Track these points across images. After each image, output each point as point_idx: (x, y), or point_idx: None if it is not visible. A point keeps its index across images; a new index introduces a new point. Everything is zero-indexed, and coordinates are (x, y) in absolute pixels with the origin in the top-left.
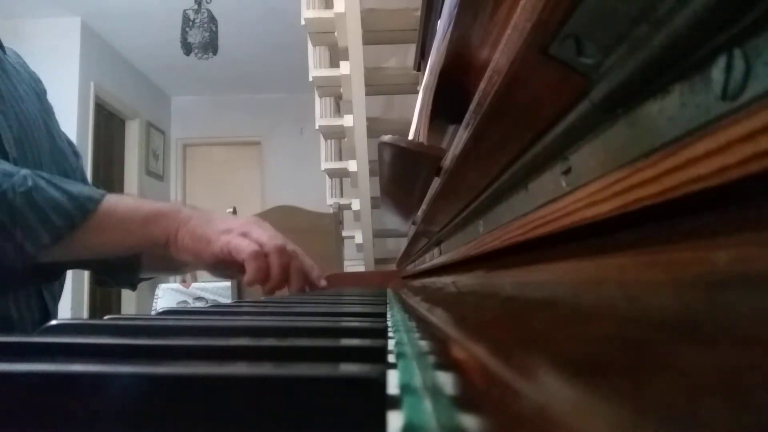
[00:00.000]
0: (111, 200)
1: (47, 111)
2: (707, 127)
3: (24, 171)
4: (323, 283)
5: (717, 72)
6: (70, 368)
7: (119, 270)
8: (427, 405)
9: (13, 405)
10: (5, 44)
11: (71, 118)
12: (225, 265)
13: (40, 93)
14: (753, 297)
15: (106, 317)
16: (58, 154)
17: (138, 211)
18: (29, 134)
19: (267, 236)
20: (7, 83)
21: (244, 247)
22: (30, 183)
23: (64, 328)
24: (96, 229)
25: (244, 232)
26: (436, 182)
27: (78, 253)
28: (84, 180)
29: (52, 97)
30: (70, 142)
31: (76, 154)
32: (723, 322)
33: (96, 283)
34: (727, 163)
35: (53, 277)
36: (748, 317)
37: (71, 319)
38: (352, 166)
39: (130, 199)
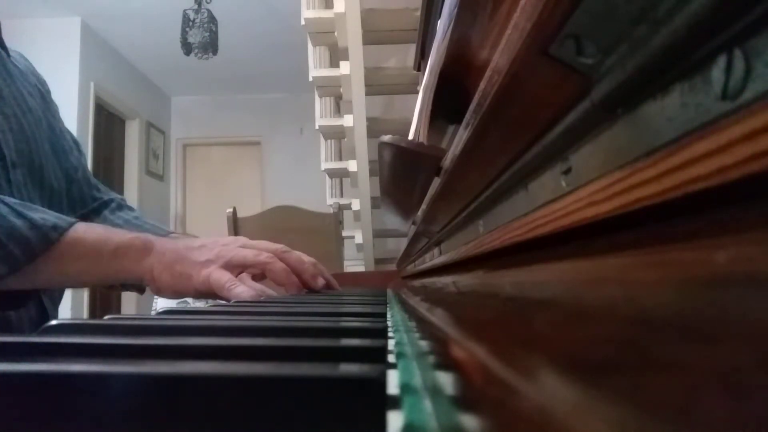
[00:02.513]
0: (79, 229)
1: (52, 111)
2: (707, 127)
3: None
4: (320, 283)
5: (717, 72)
6: (70, 368)
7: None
8: (427, 405)
9: (13, 405)
10: (6, 45)
11: (71, 118)
12: (210, 295)
13: (45, 93)
14: (753, 297)
15: (106, 317)
16: (61, 155)
17: (107, 242)
18: (30, 137)
19: (252, 254)
20: (9, 84)
21: (224, 282)
22: None
23: (64, 328)
24: (60, 259)
25: (226, 262)
26: (436, 182)
27: (41, 282)
28: (86, 176)
29: (52, 97)
30: (75, 141)
31: (80, 151)
32: (723, 322)
33: (104, 287)
34: (727, 163)
35: (15, 305)
36: (748, 317)
37: (71, 319)
38: (352, 166)
39: (101, 228)
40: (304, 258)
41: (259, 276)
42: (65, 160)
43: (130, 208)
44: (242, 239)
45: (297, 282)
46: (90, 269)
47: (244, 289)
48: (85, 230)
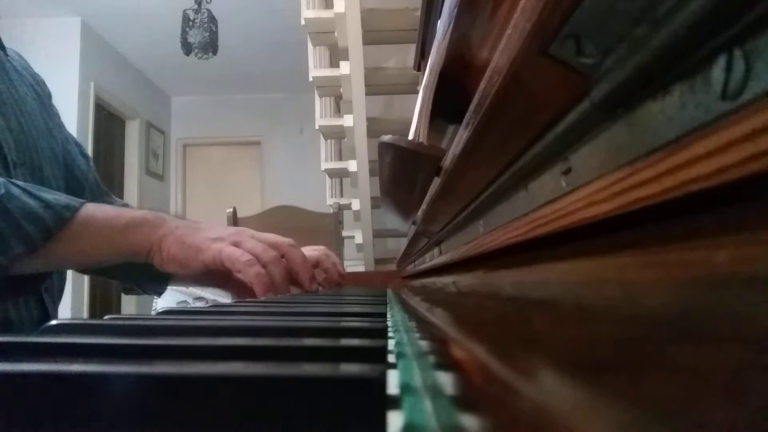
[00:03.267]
0: (90, 209)
1: (50, 113)
2: (707, 127)
3: None
4: (314, 287)
5: (717, 72)
6: (70, 368)
7: (149, 280)
8: (427, 405)
9: (14, 405)
10: (6, 45)
11: (71, 118)
12: (214, 276)
13: (43, 95)
14: (753, 297)
15: (106, 317)
16: (61, 157)
17: (118, 218)
18: (29, 136)
19: (261, 248)
20: (8, 84)
21: (238, 256)
22: (2, 191)
23: (64, 328)
24: (74, 238)
25: (236, 242)
26: (436, 182)
27: (56, 262)
28: (96, 183)
29: (52, 97)
30: (78, 145)
31: (85, 156)
32: (723, 322)
33: (123, 291)
34: (727, 163)
35: (31, 288)
36: (748, 317)
37: (71, 319)
38: (352, 166)
39: (110, 207)
40: (315, 255)
41: None
42: (71, 162)
43: None
44: (251, 231)
45: (287, 289)
46: (103, 245)
47: (259, 270)
48: (95, 209)
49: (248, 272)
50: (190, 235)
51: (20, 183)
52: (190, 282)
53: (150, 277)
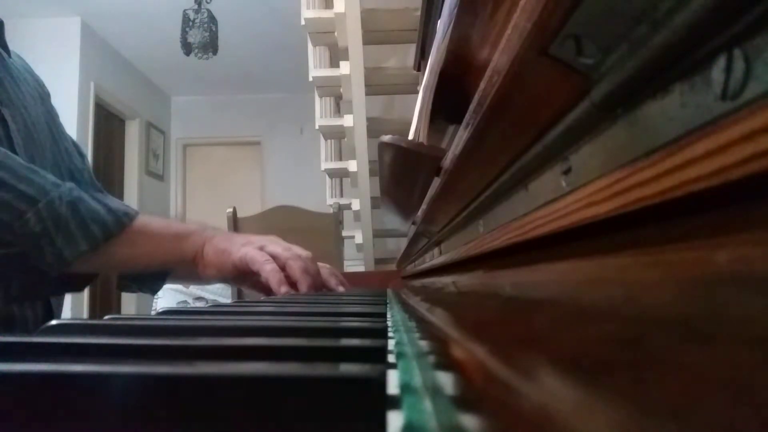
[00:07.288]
0: (144, 218)
1: (51, 114)
2: (707, 127)
3: (69, 183)
4: (340, 287)
5: (717, 72)
6: (70, 368)
7: (147, 278)
8: (427, 405)
9: (13, 405)
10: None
11: (71, 118)
12: (246, 278)
13: (44, 96)
14: (753, 297)
15: (106, 317)
16: (61, 158)
17: (169, 228)
18: (34, 138)
19: (282, 248)
20: (14, 87)
21: (258, 257)
22: (75, 194)
23: (64, 328)
24: (130, 243)
25: (262, 246)
26: (436, 182)
27: (113, 265)
28: (91, 180)
29: (52, 97)
30: (75, 144)
31: (81, 154)
32: (723, 322)
33: (118, 288)
34: (727, 163)
35: (80, 287)
36: (748, 317)
37: (71, 319)
38: (352, 166)
39: (160, 219)
40: (326, 269)
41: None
42: (69, 163)
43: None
44: (281, 240)
45: (310, 283)
46: (155, 251)
47: (275, 266)
48: (149, 219)
49: (265, 268)
50: (224, 241)
51: (88, 190)
52: (234, 284)
53: (151, 277)
